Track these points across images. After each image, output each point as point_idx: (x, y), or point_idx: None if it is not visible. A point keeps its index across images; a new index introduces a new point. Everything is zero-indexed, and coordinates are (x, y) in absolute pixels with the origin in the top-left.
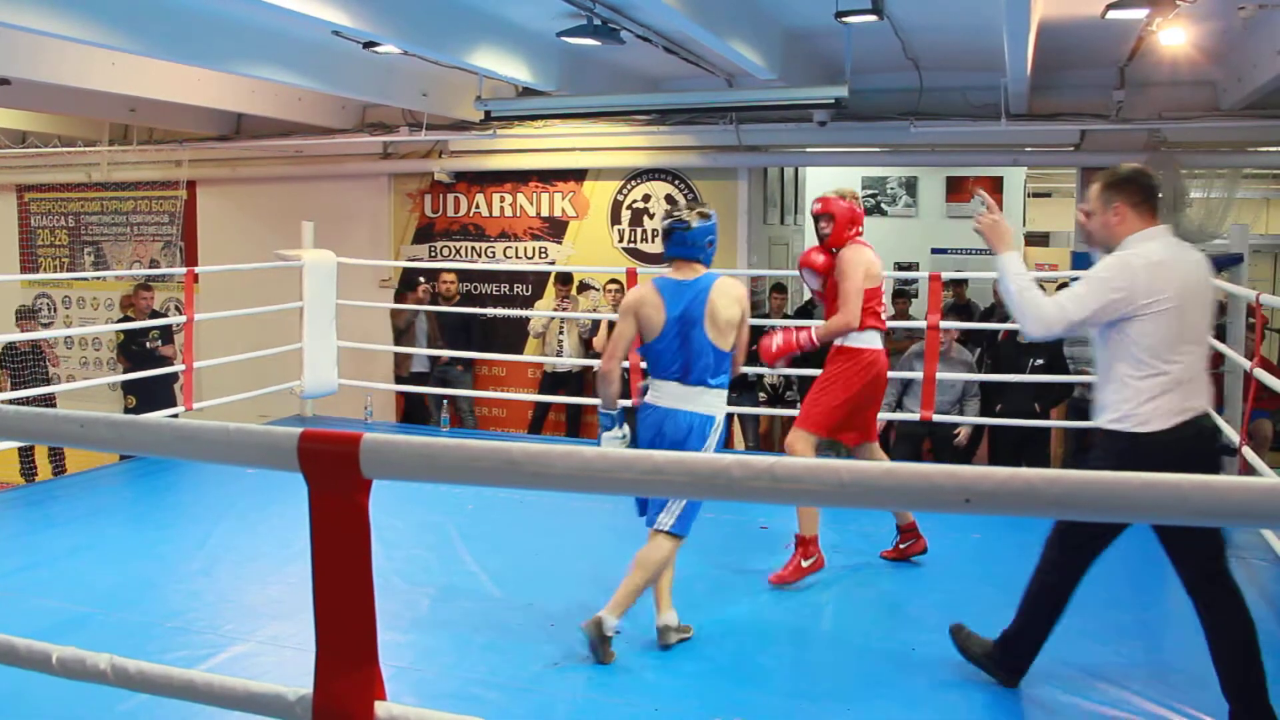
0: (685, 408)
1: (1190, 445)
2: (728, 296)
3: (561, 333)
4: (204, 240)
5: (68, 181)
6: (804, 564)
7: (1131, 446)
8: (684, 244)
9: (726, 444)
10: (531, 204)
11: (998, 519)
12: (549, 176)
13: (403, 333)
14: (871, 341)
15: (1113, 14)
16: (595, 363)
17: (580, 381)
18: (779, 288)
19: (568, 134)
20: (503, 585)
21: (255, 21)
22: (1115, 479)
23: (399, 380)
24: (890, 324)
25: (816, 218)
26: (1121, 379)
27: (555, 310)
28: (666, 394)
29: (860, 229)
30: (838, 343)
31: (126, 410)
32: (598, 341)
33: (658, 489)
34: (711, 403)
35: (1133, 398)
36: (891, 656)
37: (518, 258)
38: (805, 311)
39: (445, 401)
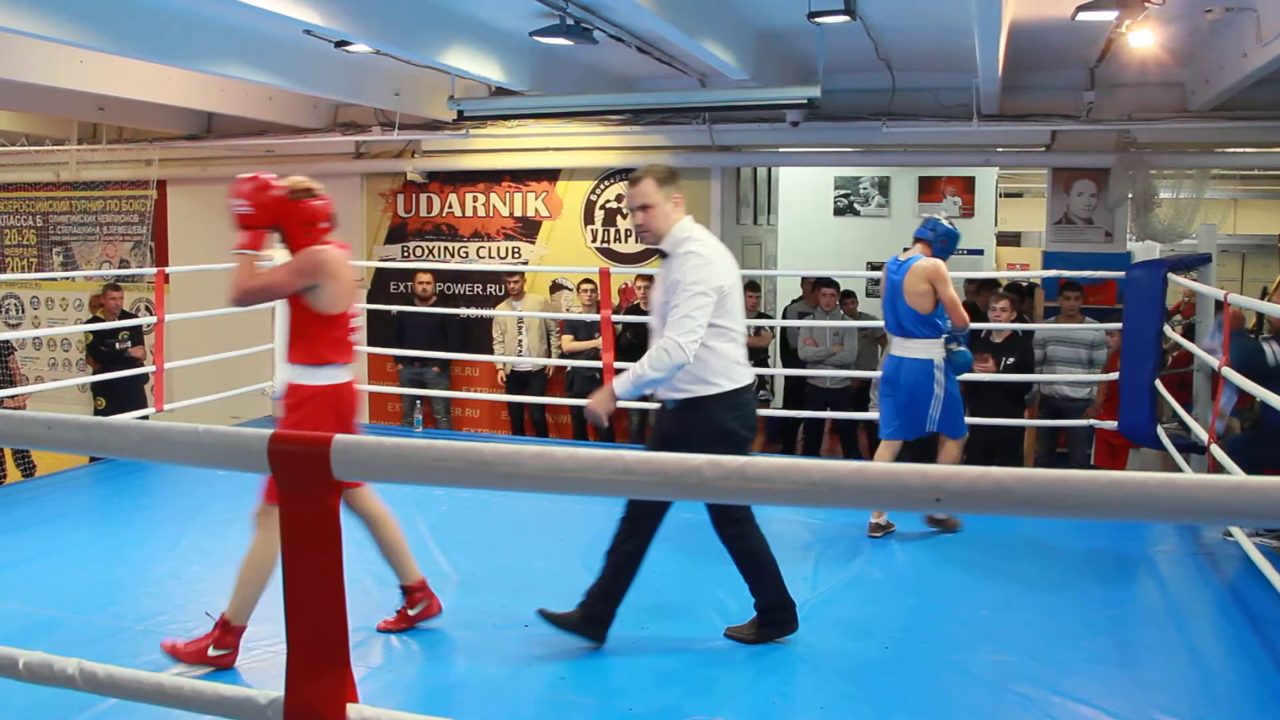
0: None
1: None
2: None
3: (521, 333)
4: (174, 240)
5: (36, 180)
6: (410, 612)
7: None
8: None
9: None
10: (505, 204)
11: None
12: (522, 176)
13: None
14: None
15: (1082, 15)
16: (558, 363)
17: (543, 381)
18: (752, 286)
19: (541, 134)
20: (475, 585)
21: (226, 20)
22: (1083, 478)
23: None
24: (849, 324)
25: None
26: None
27: (507, 309)
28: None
29: (322, 226)
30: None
31: (96, 412)
32: (567, 341)
33: (628, 488)
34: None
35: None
36: (868, 660)
37: (491, 258)
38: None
39: (419, 402)
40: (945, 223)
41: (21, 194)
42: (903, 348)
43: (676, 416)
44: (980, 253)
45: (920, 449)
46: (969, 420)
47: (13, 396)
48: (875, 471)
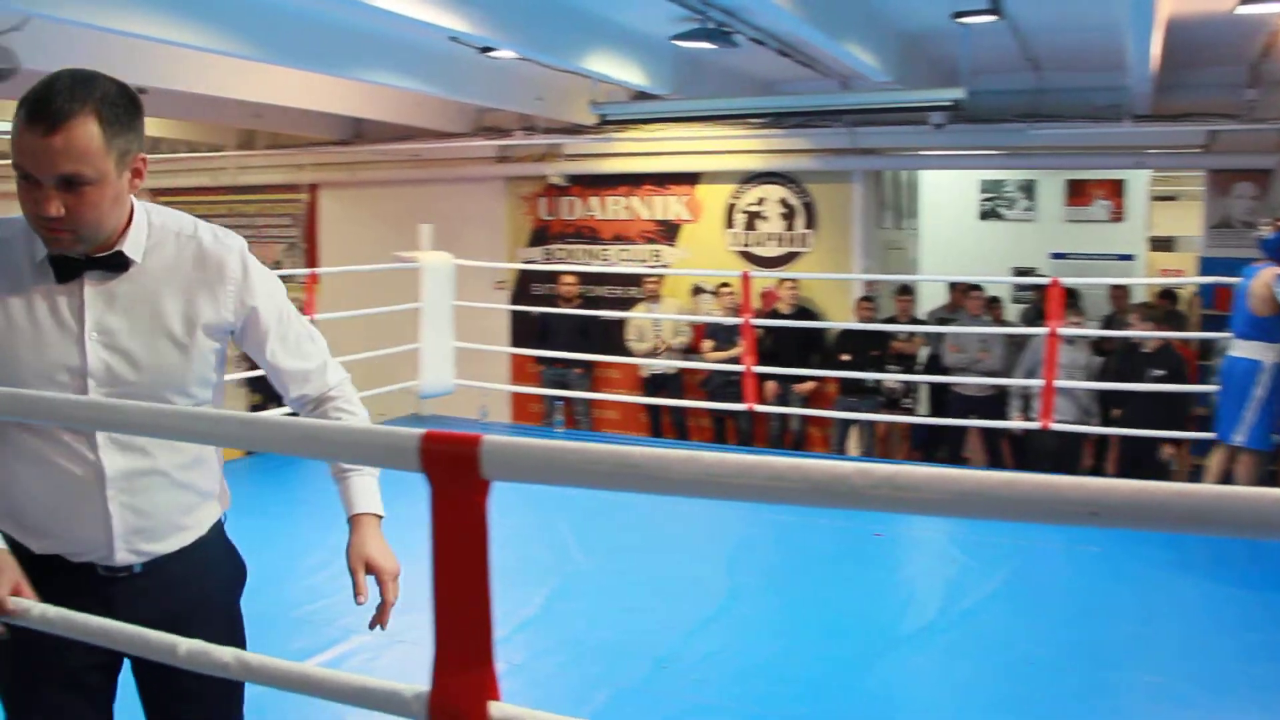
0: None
1: None
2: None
3: (657, 336)
4: (325, 242)
5: (196, 185)
6: None
7: None
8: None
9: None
10: (645, 207)
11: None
12: (662, 180)
13: None
14: None
15: (1243, 9)
16: (694, 365)
17: (679, 384)
18: (905, 289)
19: (681, 137)
20: (616, 587)
21: (375, 29)
22: (1250, 495)
23: None
24: (999, 330)
25: None
26: None
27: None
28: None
29: None
30: None
31: (252, 407)
32: (708, 350)
33: (777, 495)
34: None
35: None
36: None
37: (631, 261)
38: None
39: (560, 403)
40: None
41: (182, 199)
42: (1236, 348)
43: None
44: (1130, 258)
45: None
46: (1117, 432)
47: None
48: (1028, 483)
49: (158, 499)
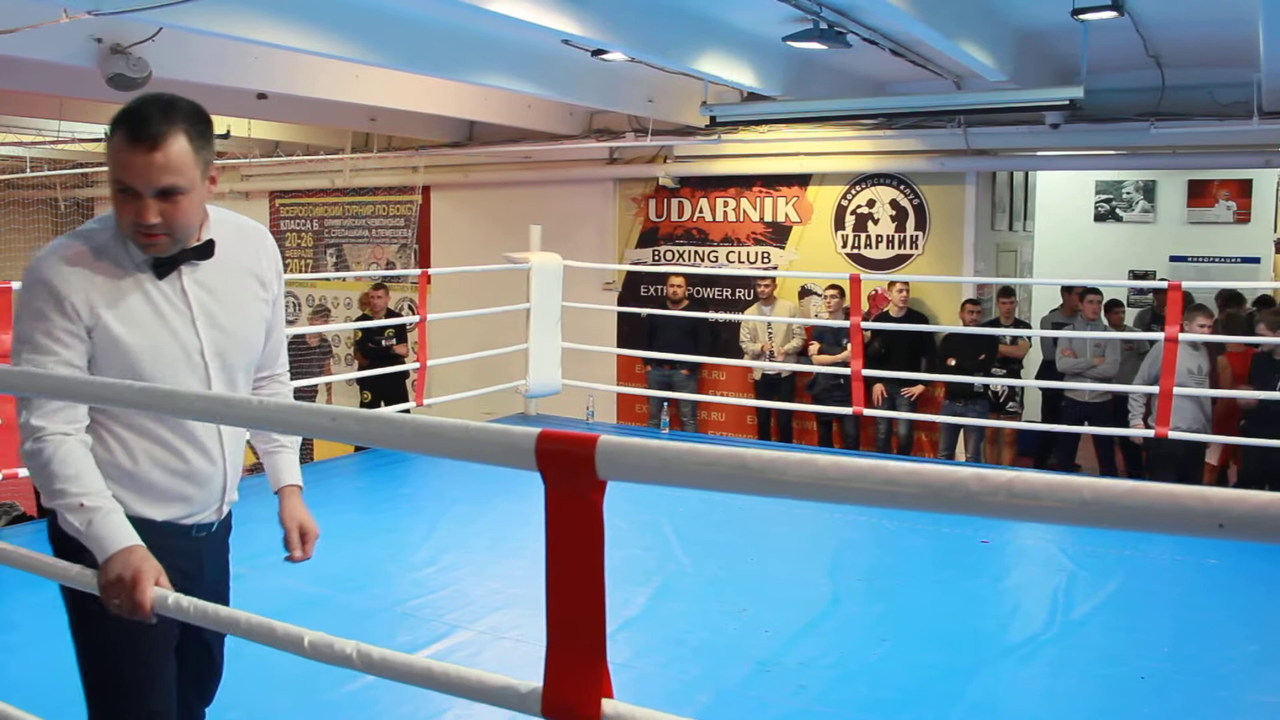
0: None
1: None
2: None
3: (770, 338)
4: (437, 243)
5: (313, 187)
6: None
7: None
8: None
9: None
10: (755, 208)
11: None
12: (772, 181)
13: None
14: None
15: None
16: (802, 368)
17: (791, 387)
18: (1007, 292)
19: (792, 138)
20: (718, 588)
21: (488, 32)
22: None
23: None
24: (1113, 335)
25: None
26: None
27: (756, 313)
28: None
29: None
30: None
31: (362, 404)
32: (815, 353)
33: (891, 500)
34: None
35: None
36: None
37: (740, 262)
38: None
39: (666, 404)
40: None
41: (301, 200)
42: None
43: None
44: (1256, 261)
45: None
46: (1239, 441)
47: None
48: (1150, 492)
49: (239, 459)
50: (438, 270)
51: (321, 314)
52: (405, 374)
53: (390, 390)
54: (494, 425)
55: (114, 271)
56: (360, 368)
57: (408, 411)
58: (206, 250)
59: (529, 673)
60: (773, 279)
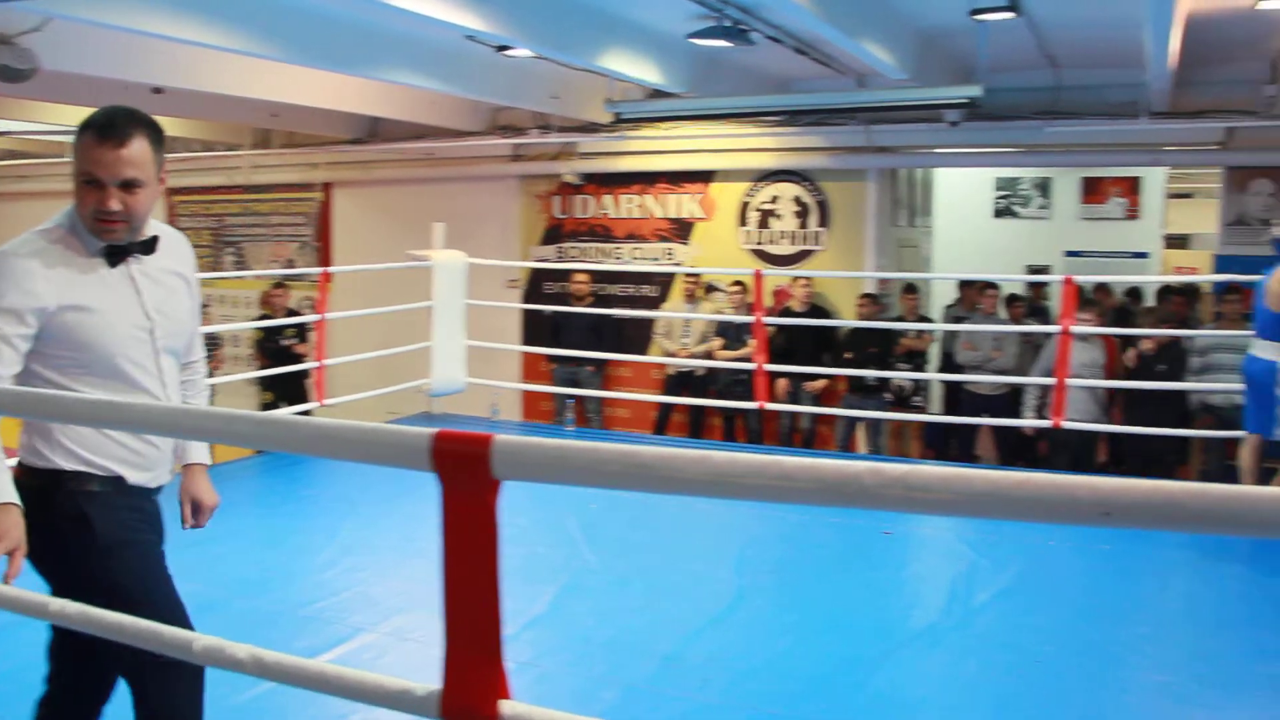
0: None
1: None
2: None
3: (685, 334)
4: (339, 241)
5: (212, 184)
6: None
7: None
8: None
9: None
10: (659, 205)
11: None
12: (677, 178)
13: None
14: None
15: (1264, 4)
16: (718, 364)
17: (703, 383)
18: (910, 288)
19: (696, 135)
20: (624, 585)
21: (392, 28)
22: (1262, 494)
23: None
24: (1011, 329)
25: None
26: None
27: (682, 310)
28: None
29: None
30: None
31: (264, 405)
32: (718, 349)
33: (787, 495)
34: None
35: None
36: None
37: (644, 259)
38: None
39: (571, 401)
40: None
41: (199, 197)
42: (1256, 347)
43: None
44: (1146, 256)
45: None
46: (1129, 430)
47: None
48: (1039, 483)
49: None
50: (339, 269)
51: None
52: (306, 374)
53: (292, 390)
54: (389, 426)
55: (72, 260)
56: (260, 368)
57: (309, 412)
58: (151, 245)
59: (432, 675)
60: (696, 276)
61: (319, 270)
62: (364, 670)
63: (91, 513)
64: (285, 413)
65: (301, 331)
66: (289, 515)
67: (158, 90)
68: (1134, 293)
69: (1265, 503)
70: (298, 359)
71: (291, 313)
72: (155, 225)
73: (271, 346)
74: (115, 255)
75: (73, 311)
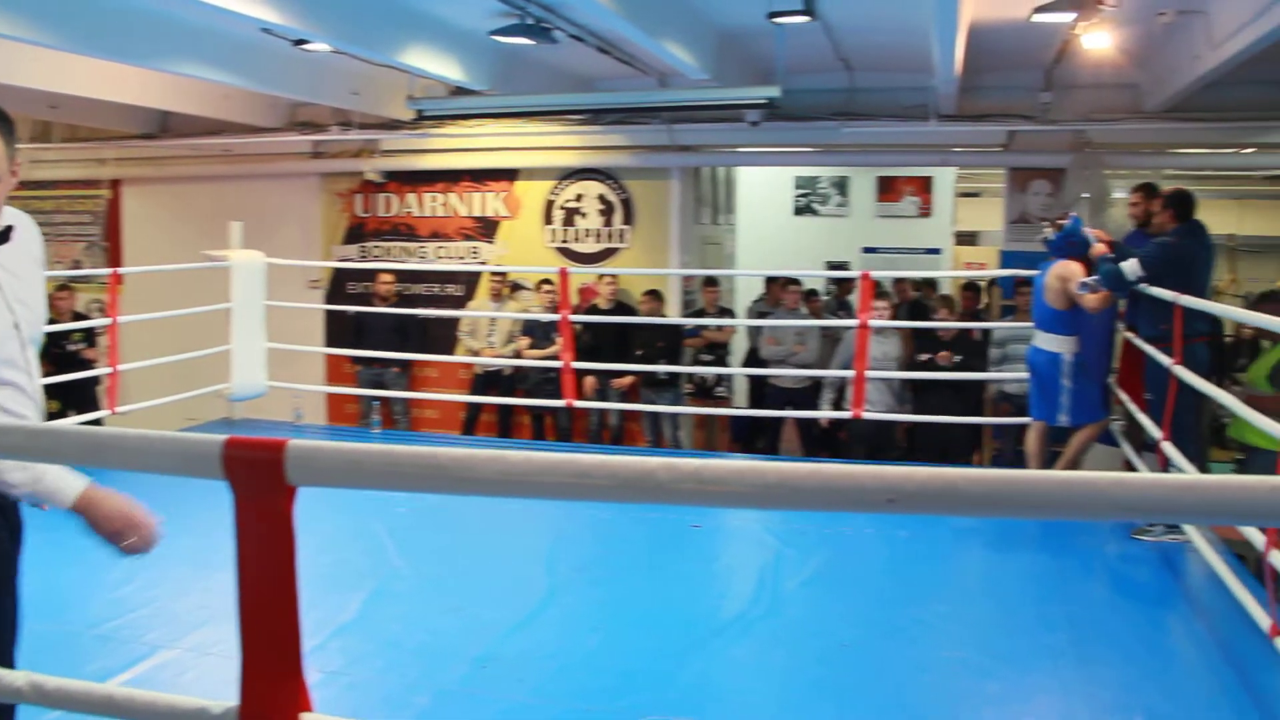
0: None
1: None
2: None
3: (491, 333)
4: (129, 241)
5: None
6: None
7: None
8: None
9: (658, 444)
10: (463, 204)
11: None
12: (481, 176)
13: None
14: None
15: (1039, 17)
16: (526, 362)
17: (510, 382)
18: (710, 281)
19: (500, 133)
20: (433, 589)
21: (183, 18)
22: (1034, 477)
23: None
24: (813, 323)
25: None
26: None
27: (488, 309)
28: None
29: None
30: None
31: (51, 415)
32: (525, 348)
33: (584, 492)
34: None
35: None
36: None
37: (449, 258)
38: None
39: (377, 403)
40: (1067, 223)
41: None
42: (1038, 339)
43: None
44: (938, 252)
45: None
46: (926, 419)
47: None
48: (831, 473)
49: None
50: (130, 270)
51: None
52: (97, 380)
53: (80, 398)
54: (175, 434)
55: None
56: (45, 374)
57: (100, 421)
58: (6, 235)
59: (233, 691)
60: (502, 276)
61: (108, 271)
62: (158, 691)
63: None
64: (71, 422)
65: (90, 336)
66: (75, 531)
67: None
68: (929, 284)
69: (1034, 485)
70: (86, 365)
71: (79, 316)
72: (6, 212)
73: (57, 353)
74: None
75: None
